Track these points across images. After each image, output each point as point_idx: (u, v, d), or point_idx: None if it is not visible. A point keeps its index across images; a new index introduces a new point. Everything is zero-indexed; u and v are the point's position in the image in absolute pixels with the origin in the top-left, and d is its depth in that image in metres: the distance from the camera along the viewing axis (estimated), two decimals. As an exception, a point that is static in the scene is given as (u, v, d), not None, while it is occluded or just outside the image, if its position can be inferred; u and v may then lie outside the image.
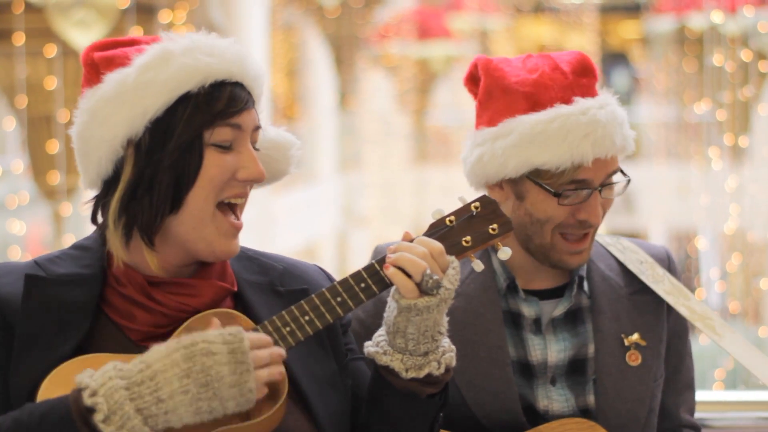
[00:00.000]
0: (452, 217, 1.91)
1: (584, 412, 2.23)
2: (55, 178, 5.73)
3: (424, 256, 1.83)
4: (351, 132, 15.35)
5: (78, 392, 1.67)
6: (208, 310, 1.85)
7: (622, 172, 2.24)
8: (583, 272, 2.30)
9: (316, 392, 1.89)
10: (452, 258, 1.86)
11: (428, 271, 1.82)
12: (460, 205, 1.92)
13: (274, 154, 2.00)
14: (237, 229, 1.87)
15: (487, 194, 1.93)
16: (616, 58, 18.80)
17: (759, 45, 7.78)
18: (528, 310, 2.27)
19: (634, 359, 2.26)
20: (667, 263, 2.37)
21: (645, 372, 2.26)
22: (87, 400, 1.66)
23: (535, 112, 2.19)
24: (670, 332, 2.33)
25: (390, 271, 1.83)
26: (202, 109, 1.82)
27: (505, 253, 1.90)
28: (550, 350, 2.25)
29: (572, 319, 2.28)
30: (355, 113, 14.63)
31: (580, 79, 2.23)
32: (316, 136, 15.15)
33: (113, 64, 1.87)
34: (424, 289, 1.82)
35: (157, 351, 1.70)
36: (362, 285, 1.85)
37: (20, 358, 1.79)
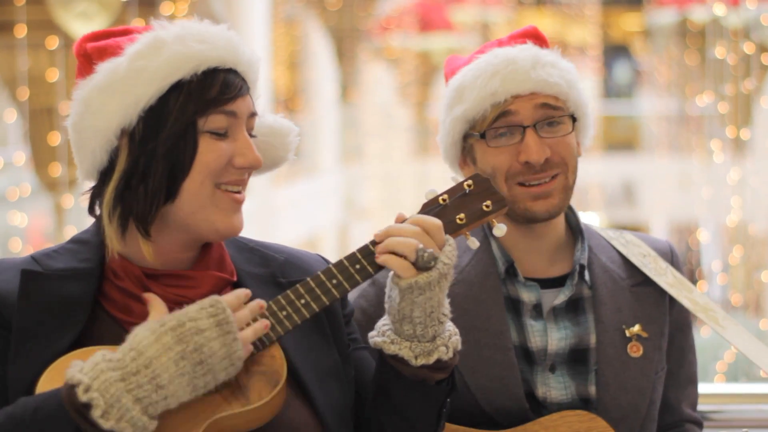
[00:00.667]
0: (445, 196, 1.91)
1: (585, 402, 2.24)
2: (57, 170, 5.74)
3: (415, 234, 1.82)
4: (352, 124, 15.36)
5: (71, 388, 1.65)
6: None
7: (572, 118, 2.23)
8: (584, 260, 2.30)
9: (317, 383, 1.88)
10: (448, 236, 1.85)
11: (421, 246, 1.81)
12: (452, 184, 1.92)
13: (272, 140, 1.99)
14: (239, 202, 1.86)
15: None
16: (618, 50, 18.79)
17: (761, 37, 7.77)
18: (528, 295, 2.27)
19: (635, 351, 2.26)
20: (670, 257, 2.38)
21: (646, 363, 2.26)
22: (82, 396, 1.64)
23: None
24: (673, 325, 2.33)
25: (382, 259, 1.82)
26: (194, 96, 1.82)
27: (500, 229, 1.90)
28: (551, 338, 2.25)
29: (573, 309, 2.28)
30: (357, 105, 14.64)
31: (513, 41, 2.28)
32: (317, 128, 15.16)
33: (106, 54, 1.86)
34: (420, 265, 1.81)
35: (144, 336, 1.69)
36: (357, 266, 1.84)
37: (17, 354, 1.78)
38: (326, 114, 15.40)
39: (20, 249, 6.63)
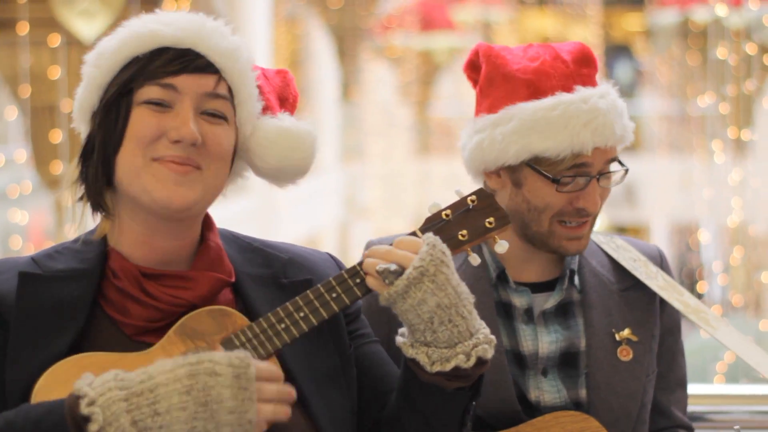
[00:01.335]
0: (448, 211, 1.90)
1: (577, 406, 2.23)
2: (58, 167, 5.73)
3: (384, 253, 1.83)
4: (354, 123, 15.35)
5: (75, 399, 1.64)
6: (202, 308, 1.83)
7: (619, 162, 2.25)
8: (575, 266, 2.30)
9: (315, 390, 1.87)
10: (428, 235, 1.84)
11: (380, 266, 1.81)
12: (456, 198, 1.92)
13: (288, 144, 1.95)
14: (179, 173, 1.82)
15: (484, 184, 1.93)
16: (619, 50, 18.77)
17: (763, 38, 7.76)
18: (519, 300, 2.27)
19: (625, 354, 2.26)
20: (660, 261, 2.38)
21: (637, 367, 2.26)
22: (84, 409, 1.62)
23: (536, 100, 2.19)
24: (663, 329, 2.34)
25: (366, 279, 1.84)
26: (135, 68, 1.84)
27: (501, 246, 1.90)
28: (541, 341, 2.25)
29: (563, 313, 2.28)
30: (358, 104, 14.63)
31: (580, 69, 2.23)
32: (319, 127, 15.14)
33: None
34: (386, 280, 1.81)
35: (162, 364, 1.66)
36: (357, 280, 1.84)
37: (15, 355, 1.77)
38: (327, 113, 15.40)
39: (21, 246, 6.62)
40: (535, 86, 2.20)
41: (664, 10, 9.95)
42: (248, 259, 1.95)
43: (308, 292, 1.83)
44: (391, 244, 1.85)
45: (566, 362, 2.26)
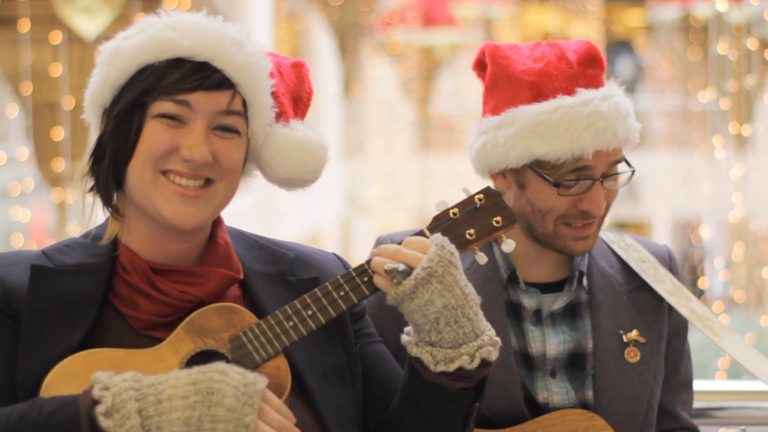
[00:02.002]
0: (456, 210, 1.90)
1: (584, 407, 2.23)
2: (60, 165, 5.73)
3: (393, 252, 1.83)
4: (355, 120, 15.34)
5: (90, 387, 1.67)
6: (210, 305, 1.84)
7: (627, 162, 2.24)
8: (584, 267, 2.30)
9: (321, 386, 1.87)
10: (437, 235, 1.84)
11: (388, 265, 1.82)
12: (463, 196, 1.92)
13: (299, 157, 1.96)
14: (185, 196, 1.83)
15: (491, 184, 1.92)
16: (620, 46, 18.75)
17: (764, 33, 7.77)
18: (529, 301, 2.27)
19: (632, 356, 2.26)
20: (669, 263, 2.37)
21: (644, 369, 2.26)
22: (96, 393, 1.65)
23: (538, 103, 2.18)
24: (672, 330, 2.33)
25: (374, 278, 1.85)
26: (150, 80, 1.83)
27: (508, 245, 1.90)
28: (549, 342, 2.25)
29: (571, 314, 2.28)
30: (360, 101, 14.63)
31: (585, 70, 2.22)
32: (320, 123, 15.14)
33: None
34: (394, 280, 1.82)
35: (182, 370, 1.70)
36: (365, 278, 1.85)
37: (27, 349, 1.79)
38: (329, 109, 15.38)
39: (22, 244, 6.62)
40: (537, 88, 2.20)
41: (665, 6, 9.94)
42: (256, 256, 1.96)
43: (316, 289, 1.84)
44: (399, 243, 1.86)
45: (573, 363, 2.26)
